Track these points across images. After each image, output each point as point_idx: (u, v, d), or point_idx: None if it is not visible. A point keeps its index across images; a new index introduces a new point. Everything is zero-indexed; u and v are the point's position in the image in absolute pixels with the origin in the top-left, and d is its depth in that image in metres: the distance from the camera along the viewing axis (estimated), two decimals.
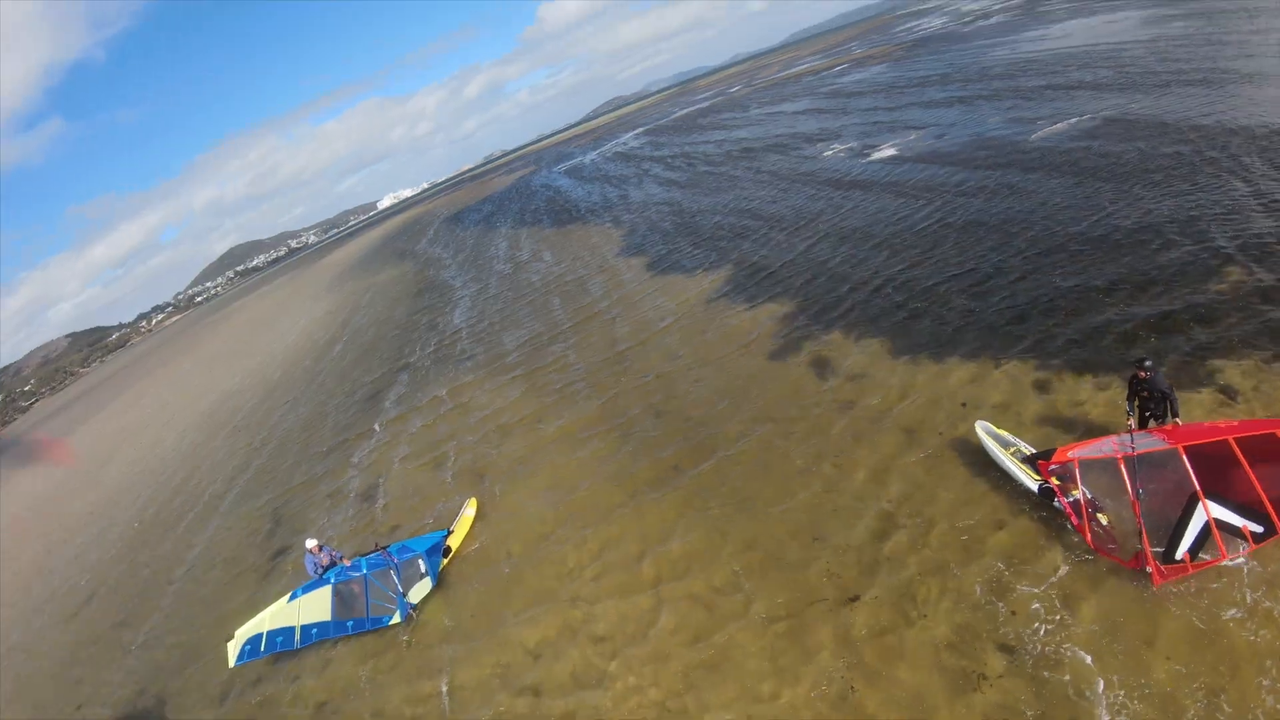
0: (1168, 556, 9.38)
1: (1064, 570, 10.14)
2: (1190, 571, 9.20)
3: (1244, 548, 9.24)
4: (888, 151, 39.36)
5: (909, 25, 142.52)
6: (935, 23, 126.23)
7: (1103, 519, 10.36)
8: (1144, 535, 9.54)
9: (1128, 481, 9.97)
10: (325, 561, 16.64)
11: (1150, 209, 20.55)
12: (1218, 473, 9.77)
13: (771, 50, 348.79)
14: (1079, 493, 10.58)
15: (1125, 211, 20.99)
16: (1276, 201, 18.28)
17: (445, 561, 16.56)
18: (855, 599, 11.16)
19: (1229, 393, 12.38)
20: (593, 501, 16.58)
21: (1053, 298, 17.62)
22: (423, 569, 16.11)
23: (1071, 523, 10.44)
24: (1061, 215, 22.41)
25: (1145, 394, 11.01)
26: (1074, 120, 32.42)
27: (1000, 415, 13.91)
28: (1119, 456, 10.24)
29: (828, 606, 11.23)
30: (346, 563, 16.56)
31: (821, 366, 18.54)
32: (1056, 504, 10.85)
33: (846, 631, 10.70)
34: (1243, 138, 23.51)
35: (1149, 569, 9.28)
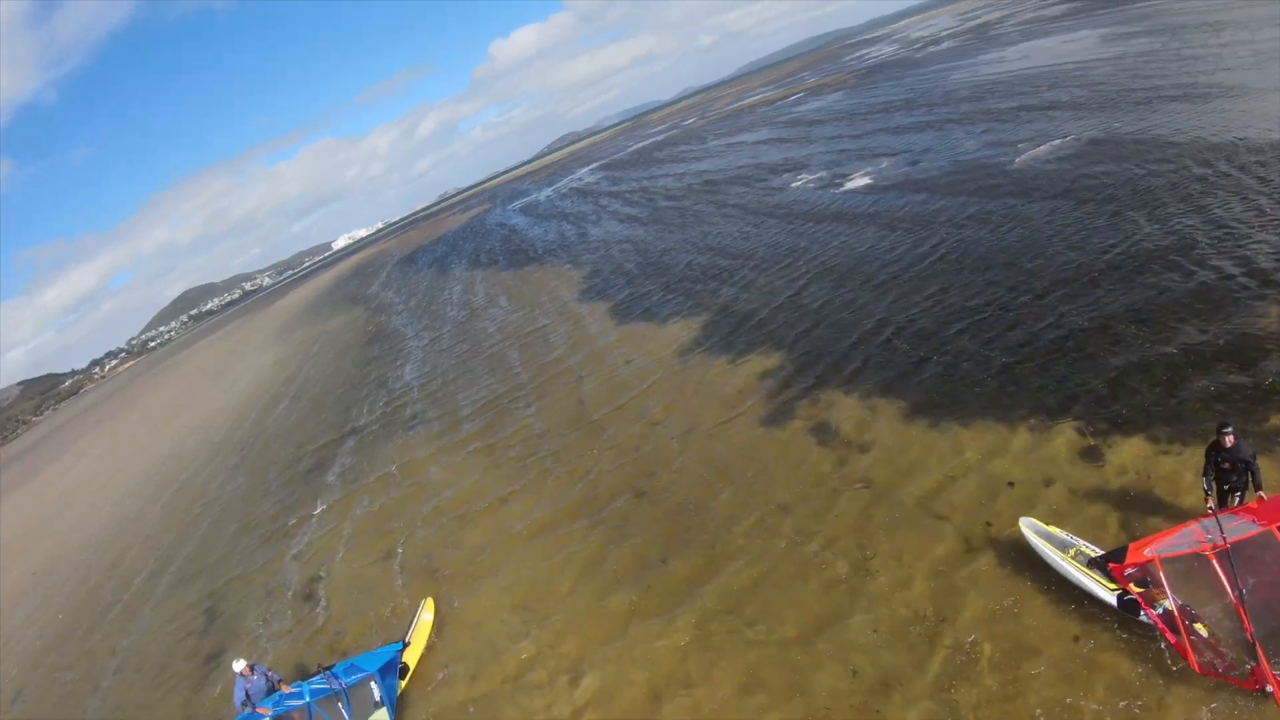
0: None
1: (1172, 705, 7.95)
2: None
3: None
4: (861, 180, 37.71)
5: (859, 54, 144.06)
6: (886, 50, 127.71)
7: (1202, 630, 8.33)
8: (1258, 646, 7.61)
9: (1225, 580, 8.08)
10: (260, 686, 13.26)
11: (1168, 232, 18.91)
12: None
13: (722, 83, 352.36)
14: (1168, 601, 8.46)
15: (1145, 234, 19.27)
16: None
17: (403, 684, 13.49)
18: None
19: None
20: (578, 623, 13.46)
21: (1080, 342, 15.59)
22: (376, 695, 12.92)
23: (1167, 640, 8.35)
24: (1070, 243, 20.55)
25: (1226, 465, 9.22)
26: (1057, 142, 31.28)
27: (1047, 493, 11.69)
28: (1208, 550, 8.25)
29: None
30: (285, 688, 13.24)
31: (823, 431, 16.05)
32: (1144, 617, 8.76)
33: None
34: (1247, 150, 22.13)
35: (1270, 689, 7.38)
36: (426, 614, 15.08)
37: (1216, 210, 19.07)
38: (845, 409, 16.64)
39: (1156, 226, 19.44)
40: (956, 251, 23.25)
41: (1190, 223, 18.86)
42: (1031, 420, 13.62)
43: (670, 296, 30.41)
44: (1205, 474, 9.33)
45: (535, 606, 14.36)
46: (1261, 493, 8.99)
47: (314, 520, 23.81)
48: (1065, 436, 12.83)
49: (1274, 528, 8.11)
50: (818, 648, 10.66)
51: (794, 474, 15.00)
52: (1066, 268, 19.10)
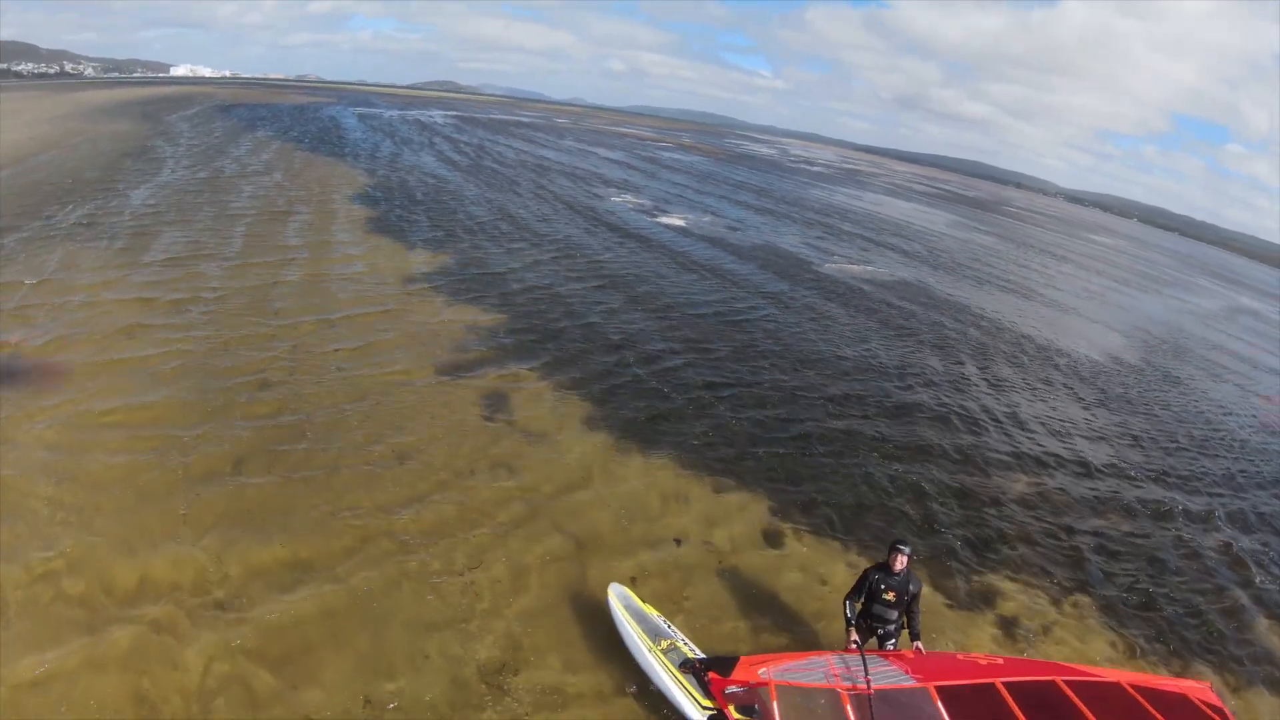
0: None
1: None
2: None
3: None
4: (678, 221, 37.60)
5: (740, 143, 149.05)
6: (764, 150, 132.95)
7: None
8: None
9: None
10: None
11: (941, 372, 19.66)
12: None
13: (611, 109, 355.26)
14: None
15: (913, 365, 19.96)
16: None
17: None
18: None
19: (1006, 625, 9.59)
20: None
21: (815, 433, 14.87)
22: None
23: None
24: (842, 343, 20.98)
25: (889, 595, 7.71)
26: (871, 268, 32.50)
27: (708, 555, 10.04)
28: (842, 690, 6.68)
29: None
30: None
31: (497, 405, 13.78)
32: None
33: None
34: (1031, 344, 24.12)
35: None
36: None
37: (989, 370, 20.32)
38: (533, 394, 14.63)
39: (937, 359, 20.42)
40: (730, 309, 22.67)
41: (963, 371, 19.83)
42: (728, 484, 12.20)
43: (435, 233, 27.52)
44: (850, 597, 7.78)
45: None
46: (919, 644, 7.72)
47: None
48: (755, 512, 11.46)
49: (931, 686, 6.70)
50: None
51: (438, 427, 12.67)
52: (827, 360, 19.14)
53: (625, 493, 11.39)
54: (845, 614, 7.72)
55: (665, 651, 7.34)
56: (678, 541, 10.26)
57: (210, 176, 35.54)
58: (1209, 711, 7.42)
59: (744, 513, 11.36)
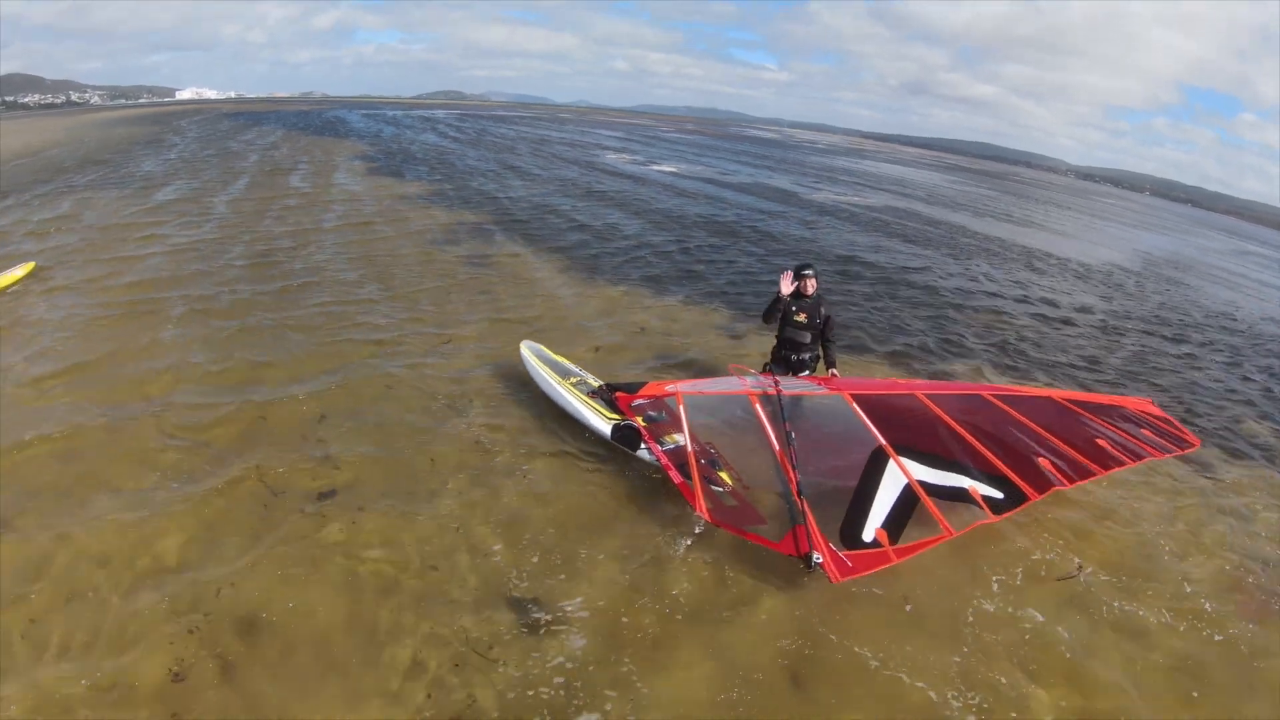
0: (849, 537, 5.35)
1: (646, 567, 5.47)
2: (894, 560, 5.20)
3: (979, 518, 5.81)
4: (669, 168, 38.66)
5: (744, 131, 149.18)
6: (767, 134, 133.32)
7: (725, 477, 5.94)
8: (804, 504, 5.42)
9: (768, 425, 6.45)
10: None
11: (922, 257, 20.47)
12: (911, 430, 6.72)
13: (616, 109, 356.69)
14: (683, 438, 6.36)
15: (888, 246, 20.75)
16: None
17: None
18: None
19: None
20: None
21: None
22: None
23: (671, 480, 5.94)
24: (821, 238, 21.76)
25: (799, 316, 7.90)
26: (863, 200, 33.12)
27: (640, 340, 10.73)
28: (753, 393, 6.99)
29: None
30: None
31: (481, 263, 14.67)
32: (645, 451, 6.49)
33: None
34: (1013, 253, 24.21)
35: (817, 557, 5.02)
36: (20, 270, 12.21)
37: (970, 261, 20.38)
38: (515, 256, 15.61)
39: (909, 250, 20.80)
40: (713, 216, 23.57)
41: (938, 257, 19.97)
42: (700, 303, 13.08)
43: (433, 175, 28.59)
44: (767, 316, 8.01)
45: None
46: (835, 371, 7.93)
47: None
48: (719, 316, 12.32)
49: (847, 394, 7.00)
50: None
51: (427, 275, 13.57)
52: (806, 242, 20.16)
53: (595, 304, 12.28)
54: (766, 313, 8.02)
55: (575, 385, 7.60)
56: (641, 329, 11.09)
57: (217, 152, 36.55)
58: (1153, 419, 7.69)
59: (707, 316, 12.17)
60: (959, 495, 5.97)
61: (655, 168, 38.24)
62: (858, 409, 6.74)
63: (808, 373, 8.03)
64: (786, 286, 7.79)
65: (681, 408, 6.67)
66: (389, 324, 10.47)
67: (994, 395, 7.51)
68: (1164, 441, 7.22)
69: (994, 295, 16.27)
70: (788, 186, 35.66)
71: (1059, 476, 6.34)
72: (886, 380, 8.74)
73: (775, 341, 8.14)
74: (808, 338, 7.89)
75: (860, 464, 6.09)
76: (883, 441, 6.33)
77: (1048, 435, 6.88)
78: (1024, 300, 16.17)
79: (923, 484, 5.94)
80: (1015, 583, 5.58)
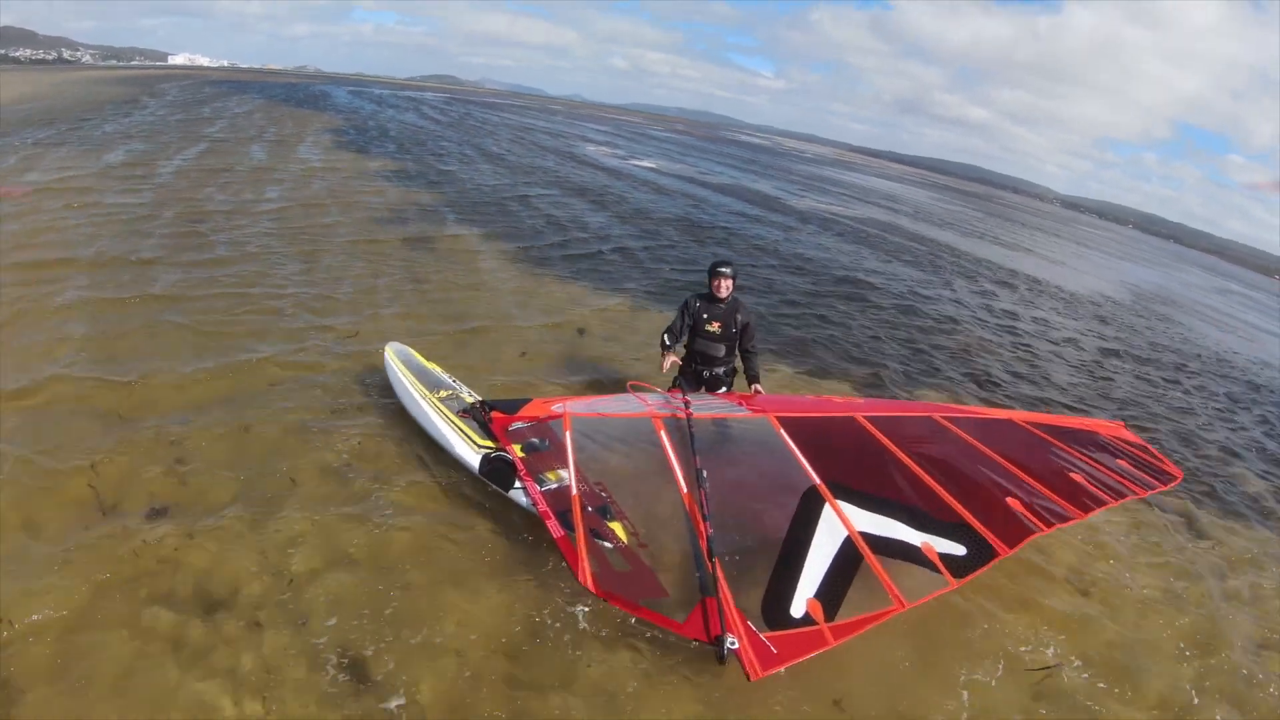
0: (774, 611, 4.05)
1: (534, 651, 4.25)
2: (830, 642, 3.93)
3: (938, 585, 4.48)
4: (648, 164, 37.80)
5: (733, 135, 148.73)
6: (756, 140, 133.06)
7: (618, 530, 4.55)
8: (715, 565, 4.19)
9: (674, 458, 5.17)
10: None
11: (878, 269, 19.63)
12: (851, 463, 5.49)
13: (609, 105, 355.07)
14: (568, 476, 5.00)
15: (854, 259, 19.95)
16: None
17: None
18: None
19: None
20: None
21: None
22: None
23: (551, 533, 4.59)
24: (798, 246, 20.78)
25: (711, 326, 6.64)
26: (841, 209, 32.19)
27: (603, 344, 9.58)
28: (653, 415, 5.71)
29: None
30: None
31: (425, 244, 13.50)
32: (519, 492, 5.14)
33: None
34: (989, 271, 24.14)
35: (731, 642, 3.76)
36: None
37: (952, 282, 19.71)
38: (462, 239, 14.48)
39: (890, 266, 20.01)
40: (686, 215, 22.52)
41: (911, 277, 19.07)
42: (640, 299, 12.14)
43: (400, 153, 27.39)
44: (671, 330, 6.71)
45: None
46: (759, 386, 6.78)
47: None
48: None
49: (772, 416, 5.81)
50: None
51: (359, 254, 12.43)
52: (777, 250, 19.18)
53: (537, 301, 11.16)
54: (663, 343, 6.76)
55: (444, 399, 6.30)
56: (580, 331, 9.95)
57: (187, 118, 35.11)
58: (1129, 447, 6.69)
59: (659, 322, 11.05)
60: (911, 554, 4.67)
61: (635, 162, 37.27)
62: (786, 436, 5.53)
63: (725, 389, 6.84)
64: (666, 365, 6.84)
65: (568, 434, 5.36)
66: (295, 309, 9.25)
67: (946, 418, 6.38)
68: (1144, 475, 6.17)
69: (976, 320, 15.32)
70: (767, 191, 34.74)
71: (1033, 521, 5.14)
72: (819, 399, 7.41)
73: (686, 353, 6.90)
74: (722, 349, 6.69)
75: (788, 510, 4.82)
76: (816, 480, 5.08)
77: (1013, 468, 5.71)
78: (1009, 329, 15.18)
79: (866, 537, 4.65)
80: (981, 675, 4.49)
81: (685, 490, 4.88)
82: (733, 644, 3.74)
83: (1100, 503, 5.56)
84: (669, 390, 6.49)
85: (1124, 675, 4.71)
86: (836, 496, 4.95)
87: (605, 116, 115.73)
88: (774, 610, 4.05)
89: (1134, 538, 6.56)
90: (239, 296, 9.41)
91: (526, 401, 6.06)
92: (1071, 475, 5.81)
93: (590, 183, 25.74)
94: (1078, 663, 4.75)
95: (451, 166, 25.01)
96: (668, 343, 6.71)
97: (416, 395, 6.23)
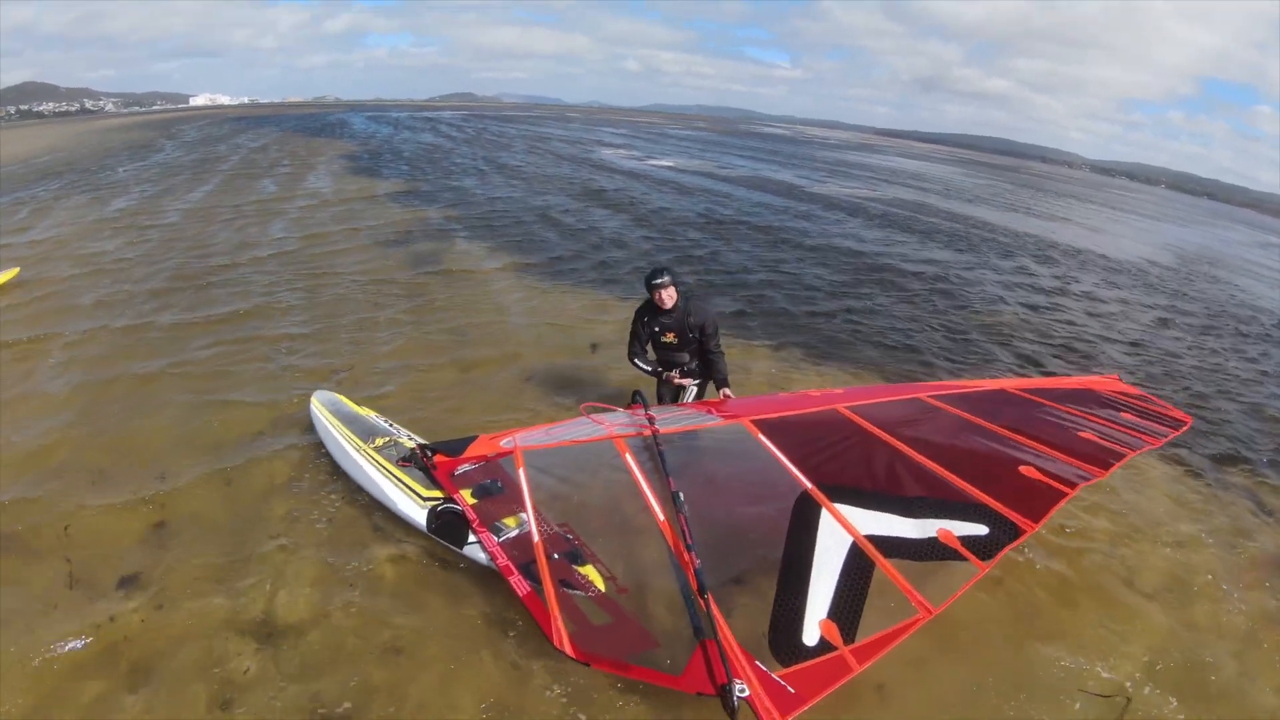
0: (785, 643, 3.40)
1: None
2: (854, 668, 3.30)
3: (966, 575, 3.82)
4: (665, 162, 37.28)
5: (756, 128, 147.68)
6: (779, 131, 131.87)
7: (592, 575, 3.93)
8: (709, 602, 3.53)
9: (644, 484, 4.47)
10: None
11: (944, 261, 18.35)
12: (843, 460, 4.75)
13: (626, 108, 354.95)
14: (528, 520, 4.38)
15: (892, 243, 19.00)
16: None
17: None
18: None
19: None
20: None
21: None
22: None
23: (515, 591, 3.98)
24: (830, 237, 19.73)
25: (667, 338, 6.02)
26: (868, 191, 31.51)
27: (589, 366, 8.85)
28: (614, 436, 4.98)
29: None
30: None
31: (430, 266, 12.96)
32: (475, 547, 4.48)
33: None
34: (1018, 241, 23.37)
35: (741, 688, 3.10)
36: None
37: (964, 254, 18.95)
38: (471, 255, 13.91)
39: (907, 244, 19.11)
40: (707, 209, 21.93)
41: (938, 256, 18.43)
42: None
43: (412, 173, 27.20)
44: (633, 353, 6.19)
45: None
46: (728, 390, 6.09)
47: None
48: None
49: (746, 420, 5.10)
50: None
51: (360, 276, 11.98)
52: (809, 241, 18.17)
53: (546, 315, 10.53)
54: (642, 368, 6.22)
55: (381, 448, 5.53)
56: (594, 347, 9.29)
57: (201, 156, 35.23)
58: (1130, 399, 6.23)
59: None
60: (928, 548, 3.98)
61: (653, 162, 36.72)
62: (766, 441, 4.83)
63: (693, 395, 6.25)
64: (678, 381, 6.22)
65: (521, 472, 4.69)
66: (288, 353, 8.72)
67: (934, 396, 5.77)
68: (1154, 425, 5.70)
69: (1022, 302, 14.33)
70: (785, 179, 33.98)
71: (1055, 486, 4.47)
72: (794, 395, 6.63)
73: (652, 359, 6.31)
74: (685, 357, 6.10)
75: (782, 521, 4.14)
76: (808, 484, 4.40)
77: (1019, 437, 5.10)
78: (1056, 306, 14.24)
79: (874, 540, 3.99)
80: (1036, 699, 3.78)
81: (662, 519, 4.20)
82: (743, 691, 3.10)
83: (1118, 456, 4.99)
84: (628, 407, 5.64)
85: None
86: (833, 499, 4.28)
87: (623, 120, 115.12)
88: (784, 642, 3.41)
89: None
90: (235, 344, 8.91)
91: (472, 439, 5.31)
92: (1081, 434, 5.27)
93: (605, 187, 25.12)
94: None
95: (463, 182, 24.59)
96: (641, 365, 6.18)
97: (349, 447, 5.50)
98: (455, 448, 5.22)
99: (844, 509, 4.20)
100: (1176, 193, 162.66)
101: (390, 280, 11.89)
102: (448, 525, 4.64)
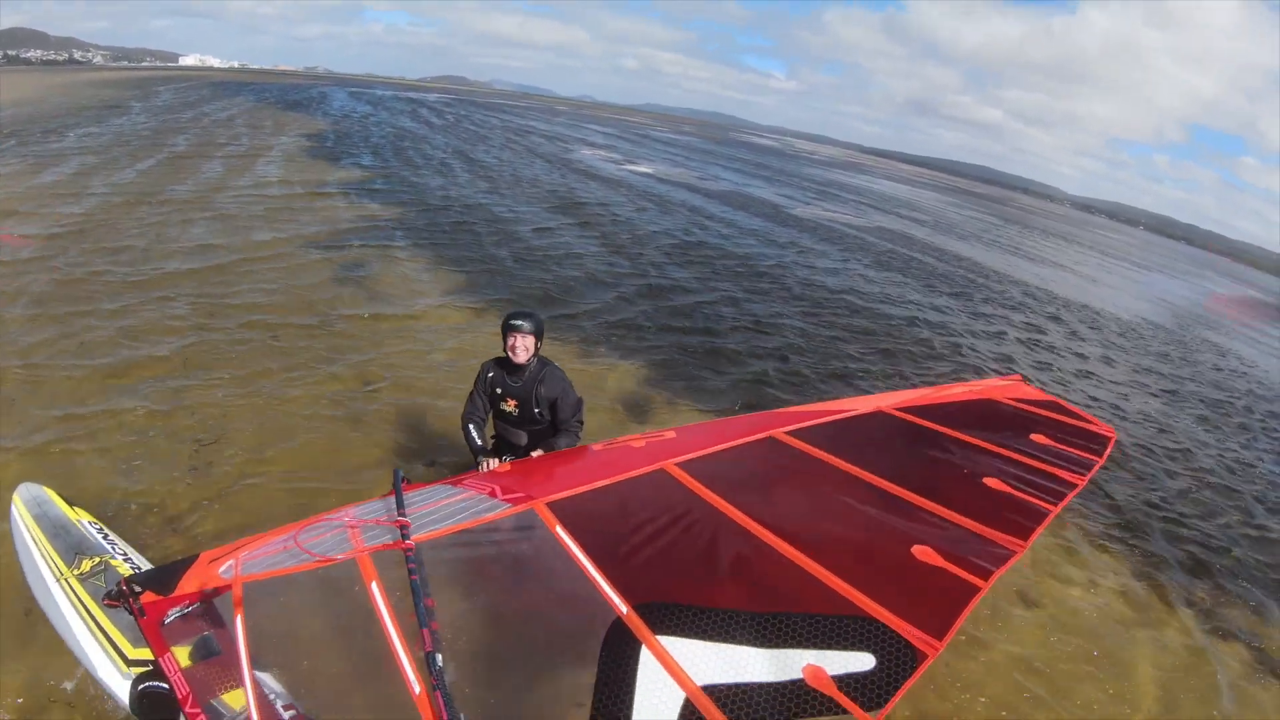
0: None
1: None
2: None
3: None
4: (644, 169, 36.28)
5: (745, 137, 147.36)
6: (767, 142, 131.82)
7: None
8: None
9: (395, 639, 2.57)
10: None
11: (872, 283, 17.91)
12: (668, 561, 2.95)
13: (618, 106, 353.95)
14: (248, 689, 2.55)
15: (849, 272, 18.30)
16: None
17: None
18: None
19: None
20: None
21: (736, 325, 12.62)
22: None
23: None
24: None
25: (507, 405, 4.61)
26: (849, 218, 31.24)
27: None
28: (362, 554, 2.96)
29: None
30: None
31: (356, 279, 11.60)
32: None
33: None
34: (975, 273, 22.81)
35: None
36: None
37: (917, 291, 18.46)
38: (406, 266, 12.62)
39: (901, 288, 18.27)
40: (677, 231, 20.72)
41: (910, 295, 17.83)
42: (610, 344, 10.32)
43: (373, 161, 25.66)
44: (469, 417, 4.66)
45: None
46: (540, 452, 4.73)
47: None
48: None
49: (539, 503, 3.23)
50: None
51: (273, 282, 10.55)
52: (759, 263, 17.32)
53: (478, 346, 9.17)
54: (471, 440, 4.62)
55: (86, 577, 4.06)
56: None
57: (160, 125, 33.37)
58: (1033, 408, 4.55)
59: (627, 380, 9.11)
60: (790, 698, 2.39)
61: (631, 168, 35.60)
62: (565, 537, 3.02)
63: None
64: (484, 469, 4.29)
65: (238, 618, 2.76)
66: (156, 374, 7.31)
67: (790, 434, 3.99)
68: (1076, 452, 3.95)
69: (1033, 365, 13.31)
70: (768, 197, 33.28)
71: (963, 578, 2.78)
72: (612, 446, 4.48)
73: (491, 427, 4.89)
74: (524, 437, 4.69)
75: (586, 669, 2.57)
76: (622, 608, 2.70)
77: (907, 494, 3.41)
78: (1066, 380, 13.19)
79: (714, 692, 2.42)
80: None
81: (417, 689, 2.48)
82: None
83: (1039, 516, 3.29)
84: (386, 494, 3.62)
85: None
86: (656, 629, 2.65)
87: (610, 118, 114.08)
88: None
89: None
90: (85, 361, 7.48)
91: (191, 561, 3.28)
92: (987, 481, 3.57)
93: (575, 193, 23.89)
94: None
95: (425, 178, 23.10)
96: (470, 435, 4.60)
97: (47, 574, 3.99)
98: (169, 580, 3.16)
99: (670, 643, 2.61)
100: (1155, 235, 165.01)
101: (307, 304, 10.29)
102: (154, 706, 3.12)
